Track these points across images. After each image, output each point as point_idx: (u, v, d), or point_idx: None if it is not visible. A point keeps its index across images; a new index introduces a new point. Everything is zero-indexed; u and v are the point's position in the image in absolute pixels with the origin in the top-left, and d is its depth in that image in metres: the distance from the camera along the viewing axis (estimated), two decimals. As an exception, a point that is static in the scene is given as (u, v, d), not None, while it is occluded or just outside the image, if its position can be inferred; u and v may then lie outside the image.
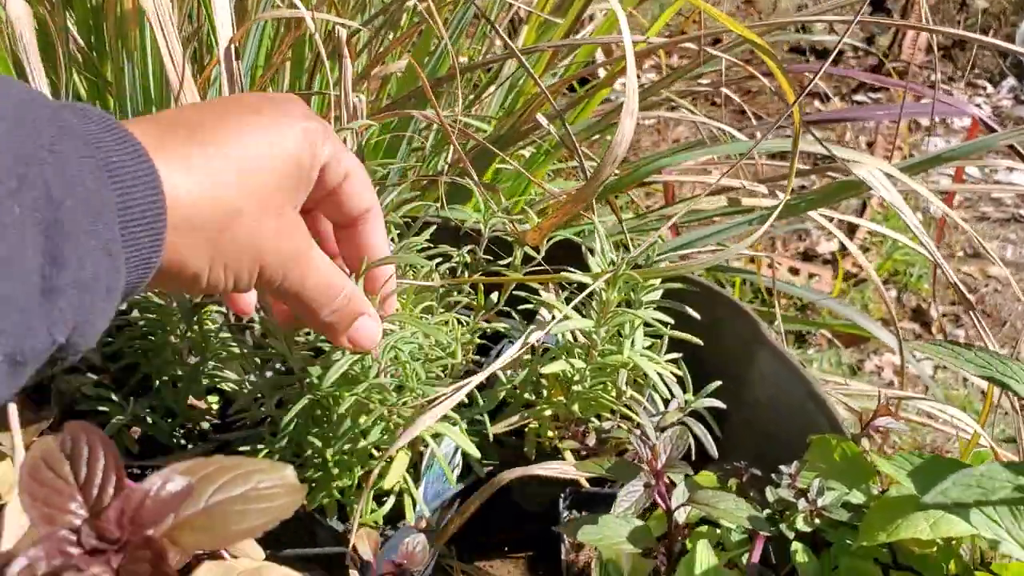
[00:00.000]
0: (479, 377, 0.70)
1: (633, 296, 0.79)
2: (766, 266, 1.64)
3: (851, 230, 2.25)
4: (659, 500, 0.61)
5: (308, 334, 0.72)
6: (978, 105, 2.85)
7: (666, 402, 0.80)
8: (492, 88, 1.29)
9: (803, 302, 2.09)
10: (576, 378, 0.79)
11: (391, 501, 0.76)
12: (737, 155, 1.13)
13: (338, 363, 0.66)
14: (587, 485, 0.80)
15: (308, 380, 0.71)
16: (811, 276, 2.22)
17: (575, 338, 0.79)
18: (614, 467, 0.64)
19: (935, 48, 1.06)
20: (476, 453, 0.74)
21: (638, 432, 0.64)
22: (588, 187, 0.81)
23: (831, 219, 1.22)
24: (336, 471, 0.75)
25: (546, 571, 0.87)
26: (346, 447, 0.74)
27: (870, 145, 2.65)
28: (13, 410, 0.66)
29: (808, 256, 2.33)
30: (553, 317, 0.77)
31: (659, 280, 0.81)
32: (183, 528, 0.39)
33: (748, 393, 0.89)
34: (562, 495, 0.78)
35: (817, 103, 2.79)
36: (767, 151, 1.24)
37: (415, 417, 0.69)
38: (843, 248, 1.93)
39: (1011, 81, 3.12)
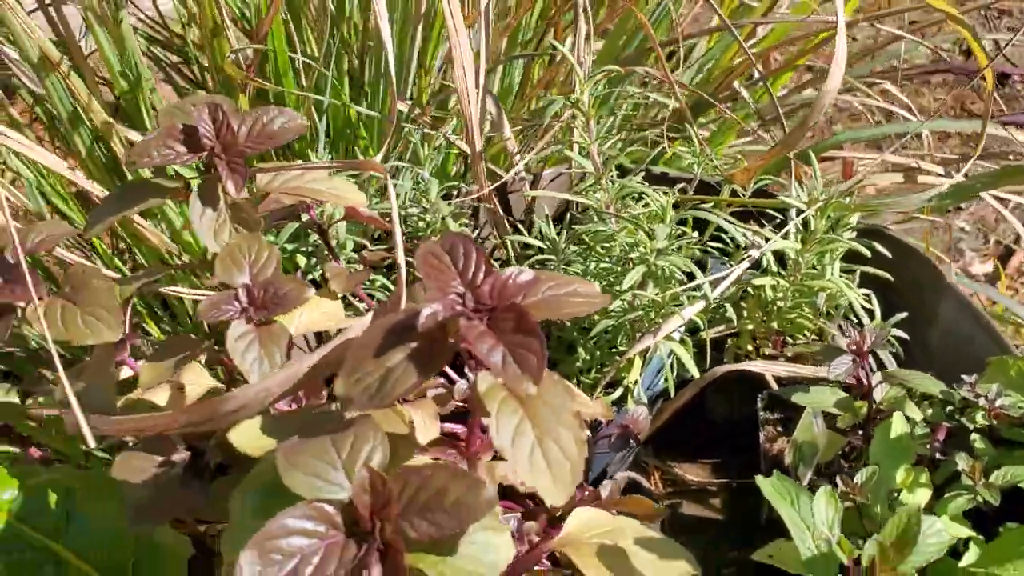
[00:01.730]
0: (718, 291, 0.83)
1: (834, 231, 0.90)
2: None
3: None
4: (861, 376, 0.72)
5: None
6: None
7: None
8: (690, 59, 1.41)
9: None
10: (779, 296, 0.90)
11: (618, 391, 0.90)
12: (914, 135, 1.22)
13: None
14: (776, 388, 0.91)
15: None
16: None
17: (782, 262, 0.91)
18: (824, 349, 0.75)
19: None
20: (691, 362, 0.87)
21: (842, 323, 0.76)
22: (797, 132, 0.93)
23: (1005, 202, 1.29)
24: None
25: (738, 470, 0.99)
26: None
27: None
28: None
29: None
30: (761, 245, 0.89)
31: (855, 218, 0.92)
32: (530, 306, 0.53)
33: (929, 331, 0.99)
34: (759, 396, 0.90)
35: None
36: (944, 129, 1.31)
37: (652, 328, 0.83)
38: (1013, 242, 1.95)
39: None
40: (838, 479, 0.68)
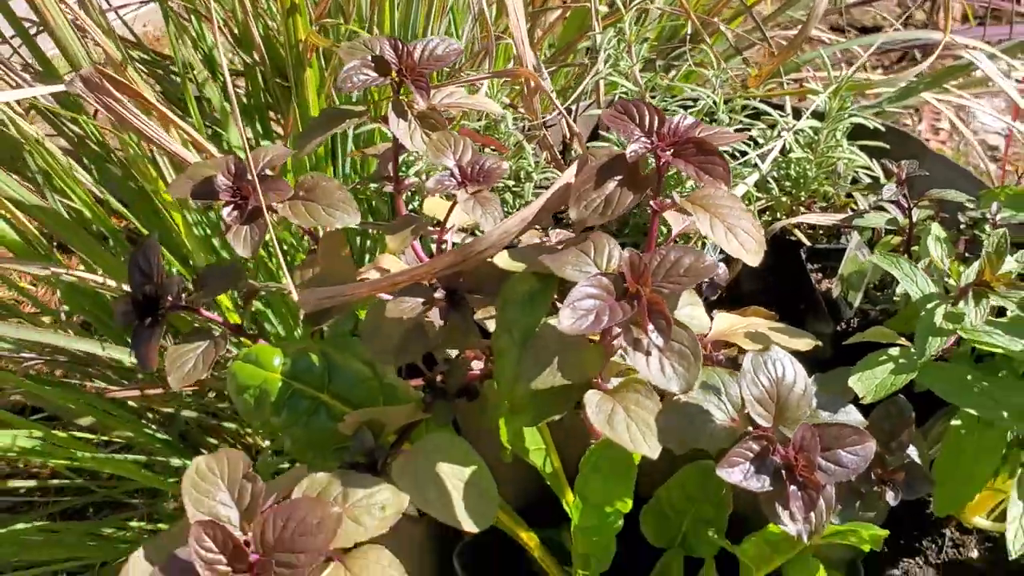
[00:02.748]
0: (767, 161, 1.03)
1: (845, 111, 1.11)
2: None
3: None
4: (901, 200, 0.93)
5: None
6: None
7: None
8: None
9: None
10: (808, 167, 1.11)
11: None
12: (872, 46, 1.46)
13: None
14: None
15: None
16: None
17: (807, 141, 1.12)
18: (869, 185, 0.96)
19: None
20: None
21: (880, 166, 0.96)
22: (798, 37, 1.14)
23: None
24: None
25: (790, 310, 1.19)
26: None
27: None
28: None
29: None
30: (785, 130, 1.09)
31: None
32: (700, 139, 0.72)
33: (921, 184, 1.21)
34: (802, 250, 1.11)
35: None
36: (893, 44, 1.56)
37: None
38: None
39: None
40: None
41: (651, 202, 0.71)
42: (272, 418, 0.77)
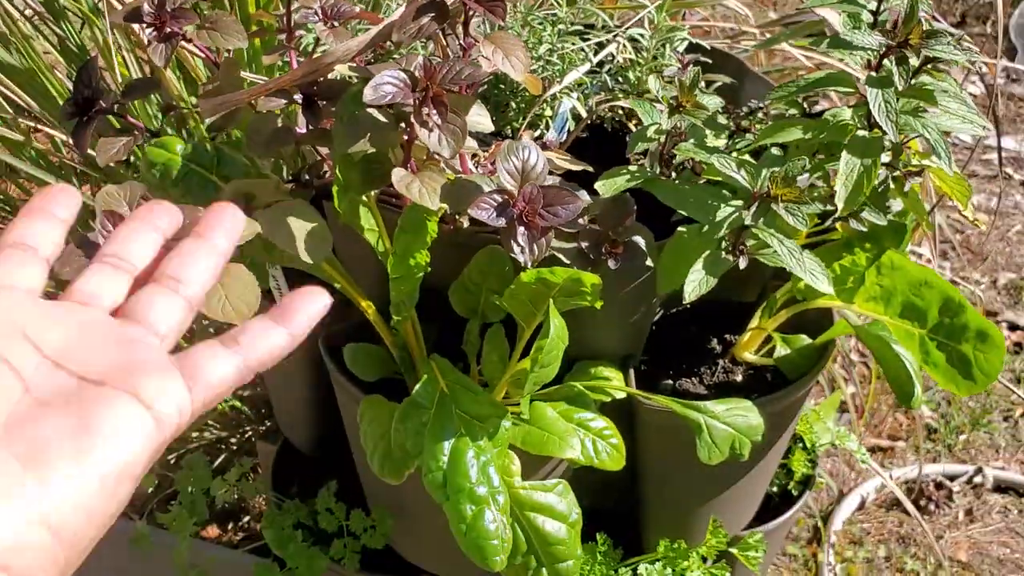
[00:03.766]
0: (599, 57, 1.29)
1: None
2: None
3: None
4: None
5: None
6: (972, 82, 3.36)
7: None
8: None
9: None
10: (639, 70, 1.37)
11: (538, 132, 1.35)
12: None
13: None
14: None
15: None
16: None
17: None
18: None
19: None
20: (582, 108, 1.33)
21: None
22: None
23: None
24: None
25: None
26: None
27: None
28: None
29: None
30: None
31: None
32: None
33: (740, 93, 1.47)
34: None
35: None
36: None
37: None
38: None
39: (1004, 62, 3.63)
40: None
41: (461, 39, 0.97)
42: (171, 190, 1.02)
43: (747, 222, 0.91)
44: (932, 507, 2.16)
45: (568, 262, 0.96)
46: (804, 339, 1.21)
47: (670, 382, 1.25)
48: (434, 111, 0.89)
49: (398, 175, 0.92)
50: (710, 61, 1.43)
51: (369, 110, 0.92)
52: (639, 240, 0.98)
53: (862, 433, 2.32)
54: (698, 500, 1.25)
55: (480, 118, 0.96)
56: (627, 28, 1.34)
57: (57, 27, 1.51)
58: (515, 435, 1.01)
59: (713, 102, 1.07)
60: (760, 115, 1.26)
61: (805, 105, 1.16)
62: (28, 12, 1.50)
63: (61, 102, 1.41)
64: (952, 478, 2.22)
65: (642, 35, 1.36)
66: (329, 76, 0.99)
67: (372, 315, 1.09)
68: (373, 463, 1.03)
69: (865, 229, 0.98)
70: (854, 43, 0.86)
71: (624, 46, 1.38)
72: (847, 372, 2.21)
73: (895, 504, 2.14)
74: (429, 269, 0.98)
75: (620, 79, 1.41)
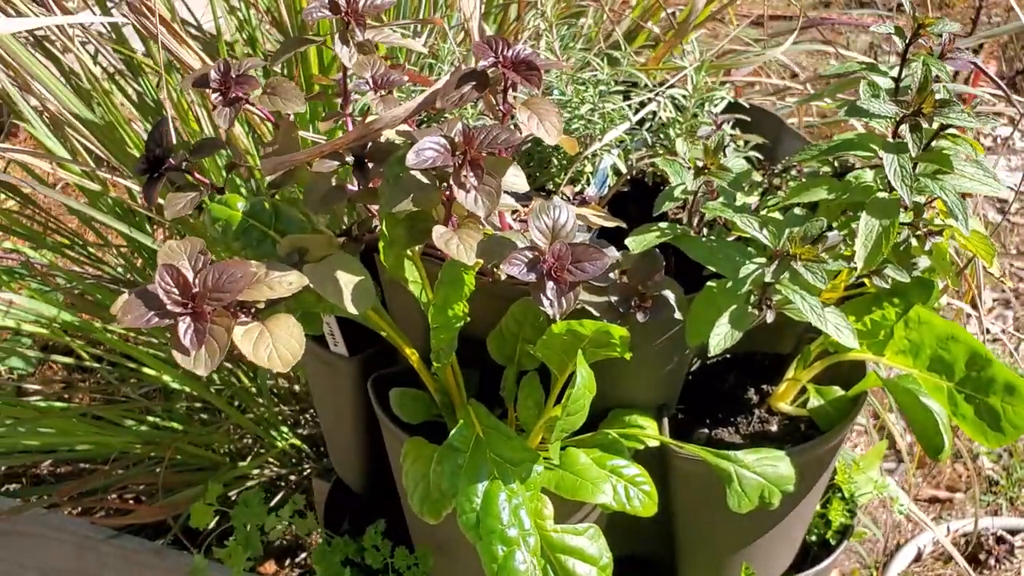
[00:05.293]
0: (639, 115, 1.35)
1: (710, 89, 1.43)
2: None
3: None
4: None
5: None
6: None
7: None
8: None
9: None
10: (678, 130, 1.42)
11: (579, 187, 1.41)
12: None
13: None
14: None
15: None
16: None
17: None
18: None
19: None
20: (622, 165, 1.38)
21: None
22: (687, 23, 1.46)
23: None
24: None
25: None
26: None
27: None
28: None
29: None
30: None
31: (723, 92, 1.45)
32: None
33: (776, 150, 1.51)
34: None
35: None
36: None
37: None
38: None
39: None
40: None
41: (500, 105, 1.04)
42: (233, 243, 1.10)
43: (767, 279, 0.95)
44: (992, 561, 2.13)
45: (598, 315, 1.01)
46: (837, 391, 1.23)
47: (706, 431, 1.28)
48: (471, 174, 0.95)
49: (438, 232, 0.98)
50: (748, 119, 1.48)
51: (413, 172, 0.98)
52: (668, 294, 1.03)
53: (919, 484, 2.30)
54: (730, 547, 1.27)
55: (516, 178, 1.02)
56: (667, 88, 1.39)
57: (135, 83, 1.63)
58: (548, 479, 1.06)
59: (738, 163, 1.11)
60: (794, 172, 1.30)
61: (836, 164, 1.20)
62: (110, 69, 1.62)
63: (137, 154, 1.53)
64: (1014, 532, 2.18)
65: (684, 95, 1.41)
66: (378, 140, 1.06)
67: (415, 361, 1.15)
68: (413, 502, 1.09)
69: (888, 286, 1.01)
70: (871, 111, 0.90)
71: (665, 105, 1.43)
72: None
73: (953, 557, 2.11)
74: (468, 319, 1.04)
75: (660, 135, 1.46)
